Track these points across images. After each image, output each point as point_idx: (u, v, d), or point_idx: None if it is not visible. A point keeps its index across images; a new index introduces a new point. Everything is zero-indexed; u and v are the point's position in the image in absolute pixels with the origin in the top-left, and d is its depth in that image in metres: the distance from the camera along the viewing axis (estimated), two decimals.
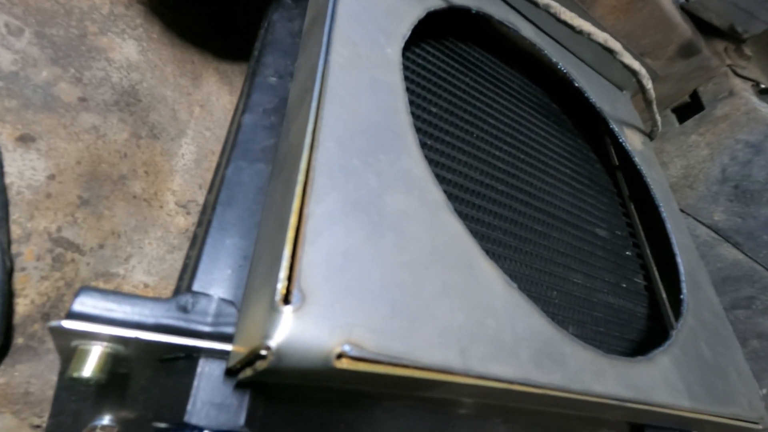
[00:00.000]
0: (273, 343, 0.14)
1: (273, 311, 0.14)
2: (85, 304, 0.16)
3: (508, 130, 0.38)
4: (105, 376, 0.16)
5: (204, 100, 0.35)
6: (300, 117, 0.21)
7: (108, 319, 0.16)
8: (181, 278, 0.21)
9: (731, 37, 0.51)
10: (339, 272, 0.16)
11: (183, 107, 0.33)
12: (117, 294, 0.16)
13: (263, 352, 0.14)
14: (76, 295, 0.16)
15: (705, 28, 0.50)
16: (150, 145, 0.30)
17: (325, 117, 0.19)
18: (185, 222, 0.31)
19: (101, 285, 0.25)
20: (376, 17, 0.26)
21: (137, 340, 0.16)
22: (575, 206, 0.40)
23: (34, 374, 0.23)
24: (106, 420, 0.23)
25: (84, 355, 0.16)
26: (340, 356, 0.15)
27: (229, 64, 0.38)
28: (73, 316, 0.15)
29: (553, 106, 0.47)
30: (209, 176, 0.34)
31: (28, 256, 0.22)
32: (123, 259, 0.27)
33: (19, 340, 0.22)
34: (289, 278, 0.15)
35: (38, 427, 0.24)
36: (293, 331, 0.14)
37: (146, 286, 0.27)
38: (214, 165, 0.34)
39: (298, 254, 0.15)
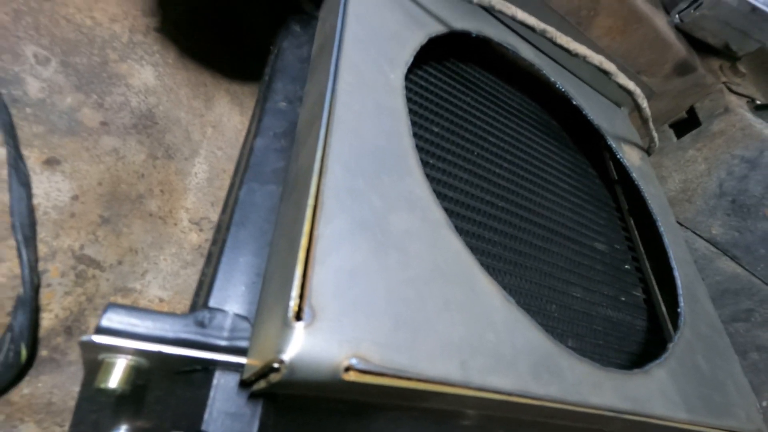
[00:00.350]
0: (286, 357, 0.15)
1: (286, 327, 0.15)
2: (112, 319, 0.17)
3: (508, 147, 0.39)
4: (128, 388, 0.17)
5: (216, 121, 0.37)
6: (309, 141, 0.22)
7: (133, 334, 0.17)
8: (197, 294, 0.22)
9: (726, 55, 0.52)
10: (346, 290, 0.17)
11: (196, 128, 0.35)
12: (140, 310, 0.18)
13: (277, 366, 0.15)
14: (104, 311, 0.17)
15: (700, 46, 0.51)
16: (165, 165, 0.32)
17: (333, 142, 0.21)
18: (198, 239, 0.32)
19: (119, 300, 0.27)
20: (380, 44, 0.27)
21: (160, 354, 0.17)
22: (574, 221, 0.41)
23: (57, 385, 0.24)
24: (122, 430, 0.24)
25: (110, 367, 0.17)
26: (347, 369, 0.16)
27: (239, 86, 0.40)
28: (101, 331, 0.17)
29: (553, 123, 0.49)
30: (221, 194, 0.35)
31: (53, 272, 0.23)
32: (140, 274, 0.28)
33: (43, 352, 0.23)
34: (301, 296, 0.16)
35: None
36: (304, 345, 0.15)
37: (161, 300, 0.28)
38: (225, 183, 0.36)
39: (309, 274, 0.17)
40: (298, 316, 0.16)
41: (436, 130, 0.33)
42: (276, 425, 0.20)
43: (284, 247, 0.19)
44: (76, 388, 0.24)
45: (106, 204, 0.27)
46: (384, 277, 0.19)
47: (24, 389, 0.23)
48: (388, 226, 0.20)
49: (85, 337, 0.16)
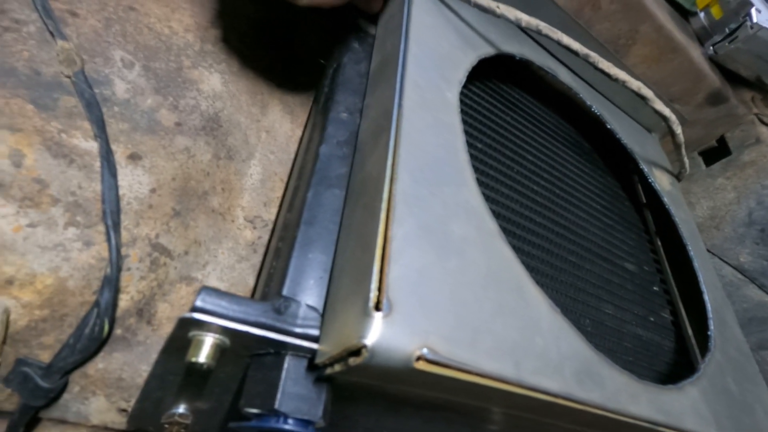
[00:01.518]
0: (368, 342, 0.16)
1: (366, 316, 0.17)
2: (206, 300, 0.19)
3: (545, 166, 0.41)
4: (213, 363, 0.19)
5: (269, 127, 0.39)
6: (377, 151, 0.24)
7: (223, 315, 0.19)
8: (267, 285, 0.24)
9: (758, 87, 0.53)
10: (417, 287, 0.19)
11: (253, 132, 0.37)
12: (228, 294, 0.20)
13: (358, 350, 0.17)
14: (198, 293, 0.19)
15: (733, 78, 0.52)
16: (226, 165, 0.34)
17: (401, 153, 0.23)
18: (251, 236, 0.34)
19: (184, 288, 0.29)
20: (438, 65, 0.30)
21: (246, 334, 0.19)
22: (606, 240, 0.42)
23: (127, 362, 0.26)
24: (181, 408, 0.26)
25: (200, 344, 0.19)
26: (419, 358, 0.17)
27: (290, 96, 0.43)
28: (195, 310, 0.18)
29: (585, 144, 0.50)
30: (272, 195, 0.37)
31: (133, 258, 0.26)
32: (201, 265, 0.30)
33: (117, 331, 0.25)
34: (379, 289, 0.18)
35: (124, 410, 0.26)
36: (383, 333, 0.17)
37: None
38: (277, 185, 0.38)
39: (385, 270, 0.18)
40: (377, 307, 0.17)
41: (479, 146, 0.35)
42: (332, 410, 0.21)
43: (357, 246, 0.21)
44: (143, 367, 0.26)
45: (178, 198, 0.29)
46: (446, 279, 0.20)
47: (99, 364, 0.25)
48: (448, 232, 0.22)
49: (186, 314, 0.18)
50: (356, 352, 0.17)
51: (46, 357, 0.24)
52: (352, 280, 0.20)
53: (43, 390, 0.23)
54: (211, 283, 0.31)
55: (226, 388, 0.25)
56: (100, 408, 0.26)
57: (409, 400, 0.26)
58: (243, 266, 0.33)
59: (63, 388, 0.24)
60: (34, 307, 0.23)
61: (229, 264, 0.32)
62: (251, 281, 0.33)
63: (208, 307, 0.19)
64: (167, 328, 0.28)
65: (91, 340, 0.23)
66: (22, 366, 0.23)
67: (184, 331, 0.19)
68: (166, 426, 0.26)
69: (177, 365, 0.23)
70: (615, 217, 0.46)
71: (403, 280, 0.18)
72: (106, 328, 0.24)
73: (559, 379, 0.21)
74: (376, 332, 0.17)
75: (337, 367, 0.18)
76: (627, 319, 0.37)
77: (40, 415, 0.25)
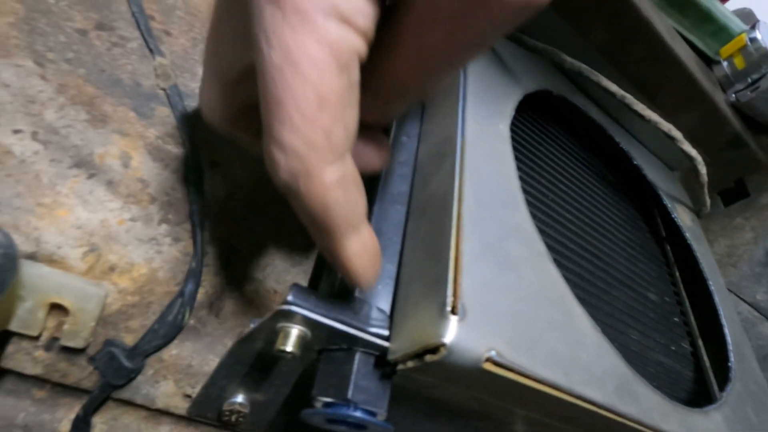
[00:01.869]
0: (447, 340, 0.19)
1: (445, 318, 0.19)
2: (296, 295, 0.21)
3: (576, 196, 0.44)
4: (299, 353, 0.21)
5: None
6: (441, 174, 0.27)
7: (309, 308, 0.21)
8: (337, 288, 0.26)
9: None
10: (483, 297, 0.21)
11: None
12: (312, 291, 0.22)
13: (436, 348, 0.19)
14: (289, 289, 0.21)
15: (753, 124, 0.55)
16: None
17: (466, 178, 0.25)
18: (304, 243, 0.37)
19: (246, 286, 0.31)
20: (492, 98, 0.33)
21: (331, 327, 0.21)
22: (630, 269, 0.44)
23: (197, 351, 0.28)
24: (239, 398, 0.28)
25: (287, 334, 0.21)
26: (487, 360, 0.20)
27: None
28: (288, 303, 0.21)
29: (611, 178, 0.53)
30: None
31: (211, 255, 0.28)
32: (262, 267, 0.32)
33: (191, 321, 0.28)
34: (454, 296, 0.20)
35: (188, 396, 0.29)
36: (458, 334, 0.19)
37: (275, 292, 0.33)
38: None
39: (459, 280, 0.21)
40: (453, 311, 0.20)
41: (522, 175, 0.38)
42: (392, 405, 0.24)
43: (427, 258, 0.23)
44: (211, 356, 0.28)
45: (248, 204, 0.32)
46: (506, 293, 0.23)
47: (173, 350, 0.27)
48: (506, 251, 0.24)
49: (284, 306, 0.20)
50: (434, 350, 0.19)
51: (129, 340, 0.26)
52: (425, 287, 0.22)
53: (125, 370, 0.26)
54: (269, 284, 0.33)
55: (285, 381, 0.28)
56: (167, 392, 0.28)
57: (448, 406, 0.28)
58: (296, 270, 0.35)
59: (140, 370, 0.27)
60: (127, 293, 0.25)
61: (284, 268, 0.34)
62: (303, 284, 0.35)
63: (299, 301, 0.21)
64: (231, 322, 0.30)
65: (173, 326, 0.26)
66: (110, 346, 0.25)
67: (275, 322, 0.21)
68: (226, 413, 0.28)
69: (248, 356, 0.25)
70: (638, 248, 0.48)
71: (472, 290, 0.21)
72: (187, 316, 0.26)
73: (602, 392, 0.23)
74: (453, 333, 0.19)
75: (410, 364, 0.21)
76: (650, 346, 0.39)
77: (111, 395, 0.27)
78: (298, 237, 0.37)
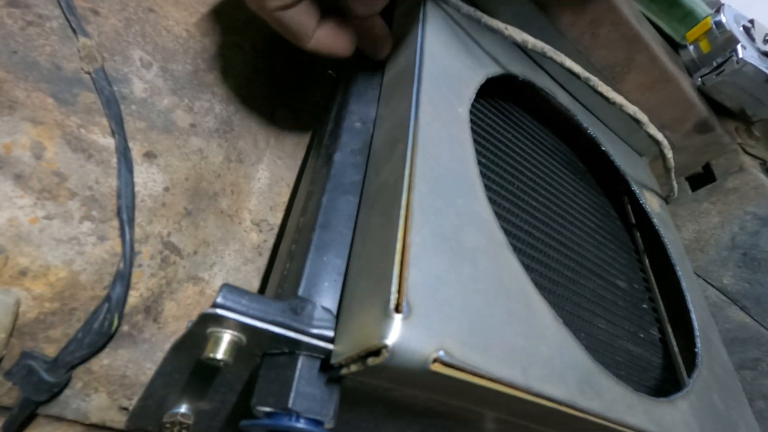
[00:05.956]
0: (389, 342, 0.17)
1: (387, 317, 0.18)
2: (226, 297, 0.19)
3: (543, 183, 0.42)
4: (231, 360, 0.19)
5: (277, 133, 0.40)
6: (393, 161, 0.25)
7: (242, 312, 0.19)
8: (280, 286, 0.24)
9: (742, 118, 0.56)
10: (433, 292, 0.19)
11: (262, 137, 0.38)
12: (247, 292, 0.20)
13: (378, 350, 0.17)
14: (219, 290, 0.19)
15: (719, 108, 0.55)
16: (237, 168, 0.34)
17: (418, 164, 0.23)
18: (257, 239, 0.34)
19: (191, 287, 0.29)
20: (450, 81, 0.31)
21: (266, 331, 0.19)
22: (598, 257, 0.43)
23: (132, 360, 0.26)
24: (183, 408, 0.26)
25: (218, 340, 0.19)
26: (435, 360, 0.18)
27: (299, 104, 0.43)
28: (217, 306, 0.19)
29: (580, 164, 0.52)
30: (279, 199, 0.38)
31: (145, 254, 0.26)
32: (209, 266, 0.30)
33: (124, 327, 0.25)
34: (398, 292, 0.18)
35: (125, 409, 0.26)
36: (402, 334, 0.17)
37: None
38: (283, 190, 0.38)
39: (405, 274, 0.19)
40: (397, 309, 0.18)
41: (483, 161, 0.36)
42: (340, 411, 0.22)
43: (375, 251, 0.21)
44: (148, 365, 0.26)
45: (190, 198, 0.29)
46: (460, 286, 0.21)
47: (104, 360, 0.25)
48: (462, 241, 0.23)
49: (209, 310, 0.18)
50: (376, 352, 0.17)
51: (51, 351, 0.24)
52: (371, 283, 0.20)
53: (46, 384, 0.23)
54: (217, 283, 0.31)
55: (231, 388, 0.26)
56: (100, 405, 0.26)
57: (409, 407, 0.26)
58: (248, 268, 0.33)
59: (66, 384, 0.24)
60: (44, 299, 0.23)
61: (235, 266, 0.32)
62: (256, 283, 0.33)
63: (229, 304, 0.19)
64: (173, 327, 0.28)
65: (100, 334, 0.23)
66: (27, 359, 0.23)
67: (203, 327, 0.19)
68: (168, 425, 0.26)
69: (185, 363, 0.23)
70: (607, 235, 0.47)
71: (421, 285, 0.19)
72: (116, 323, 0.24)
73: (563, 387, 0.22)
74: (396, 333, 0.17)
75: (354, 367, 0.19)
76: (619, 335, 0.38)
77: (37, 411, 0.25)
78: (251, 233, 0.35)
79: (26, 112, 0.24)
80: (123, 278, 0.24)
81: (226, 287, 0.19)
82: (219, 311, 0.18)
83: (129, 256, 0.24)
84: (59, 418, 0.26)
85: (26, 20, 0.27)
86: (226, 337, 0.19)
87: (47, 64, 0.26)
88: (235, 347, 0.20)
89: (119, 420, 0.26)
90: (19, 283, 0.22)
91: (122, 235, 0.24)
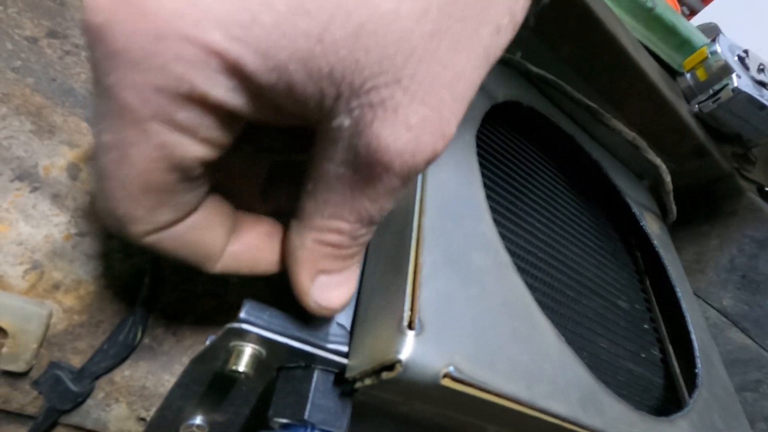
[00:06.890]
0: (402, 357, 0.18)
1: (401, 334, 0.19)
2: (250, 312, 0.20)
3: (546, 204, 0.44)
4: (252, 373, 0.20)
5: None
6: None
7: (263, 326, 0.20)
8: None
9: (739, 144, 0.58)
10: (443, 310, 0.21)
11: None
12: (268, 307, 0.21)
13: (392, 365, 0.18)
14: (242, 305, 0.20)
15: (715, 134, 0.57)
16: None
17: (429, 188, 0.25)
18: None
19: (208, 301, 0.30)
20: None
21: (286, 346, 0.20)
22: (600, 278, 0.44)
23: (151, 371, 0.27)
24: (198, 419, 0.27)
25: (240, 353, 0.20)
26: (445, 375, 0.19)
27: None
28: (241, 320, 0.20)
29: (581, 187, 0.53)
30: None
31: (167, 270, 0.27)
32: (224, 281, 0.31)
33: (145, 340, 0.27)
34: (411, 310, 0.20)
35: (143, 419, 0.27)
36: (415, 350, 0.19)
37: (239, 307, 0.32)
38: None
39: (417, 293, 0.20)
40: (410, 326, 0.19)
41: (489, 183, 0.38)
42: (357, 423, 0.23)
43: (388, 271, 0.23)
44: (167, 377, 0.27)
45: None
46: (468, 305, 0.22)
47: (125, 371, 0.26)
48: (469, 262, 0.24)
49: (234, 324, 0.19)
50: (390, 366, 0.19)
51: (77, 362, 0.25)
52: (384, 300, 0.21)
53: (72, 394, 0.24)
54: (231, 299, 0.32)
55: (246, 401, 0.27)
56: (120, 416, 0.27)
57: (417, 422, 0.27)
58: (262, 284, 0.34)
59: (89, 394, 0.25)
60: (74, 312, 0.24)
61: (248, 281, 0.33)
62: (270, 298, 0.34)
63: (252, 318, 0.20)
64: (190, 340, 0.29)
65: (125, 346, 0.25)
66: (55, 369, 0.24)
67: (227, 340, 0.20)
68: None
69: (204, 375, 0.24)
70: (608, 255, 0.49)
71: (432, 303, 0.20)
72: (140, 335, 0.25)
73: (566, 404, 0.23)
74: (409, 349, 0.18)
75: (368, 381, 0.20)
76: (620, 354, 0.39)
77: (59, 420, 0.26)
78: None
79: (64, 136, 0.25)
80: (149, 292, 0.25)
81: (249, 302, 0.20)
82: (244, 326, 0.19)
83: (153, 271, 0.25)
84: (79, 428, 0.27)
85: (64, 50, 0.28)
86: (248, 350, 0.20)
87: (82, 90, 0.28)
88: (256, 360, 0.21)
89: (136, 430, 0.27)
90: (52, 296, 0.23)
91: (147, 251, 0.26)
